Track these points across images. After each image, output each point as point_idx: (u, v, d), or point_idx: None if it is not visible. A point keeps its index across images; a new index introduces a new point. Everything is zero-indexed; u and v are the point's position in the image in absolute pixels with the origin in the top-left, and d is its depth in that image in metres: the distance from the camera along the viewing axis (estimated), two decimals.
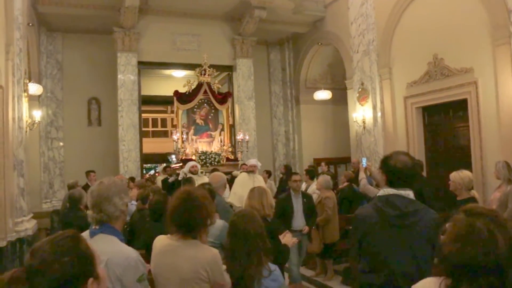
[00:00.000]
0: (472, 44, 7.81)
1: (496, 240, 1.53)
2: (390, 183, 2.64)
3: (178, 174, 9.09)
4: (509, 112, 7.13)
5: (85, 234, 2.33)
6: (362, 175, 6.69)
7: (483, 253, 1.51)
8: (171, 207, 2.54)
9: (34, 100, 10.18)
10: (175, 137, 10.78)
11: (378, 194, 2.74)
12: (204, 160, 10.60)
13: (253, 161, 9.00)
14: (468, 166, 7.33)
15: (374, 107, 10.04)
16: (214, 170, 7.85)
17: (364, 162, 7.37)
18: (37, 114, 9.36)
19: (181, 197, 2.54)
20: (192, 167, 8.82)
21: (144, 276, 2.29)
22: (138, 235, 5.50)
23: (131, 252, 2.29)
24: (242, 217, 2.84)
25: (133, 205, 7.36)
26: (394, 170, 2.64)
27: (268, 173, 10.83)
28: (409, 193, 2.61)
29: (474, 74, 7.82)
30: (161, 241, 2.58)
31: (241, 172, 9.31)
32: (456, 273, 1.56)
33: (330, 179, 7.42)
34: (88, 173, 9.59)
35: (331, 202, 6.87)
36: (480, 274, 1.50)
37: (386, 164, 2.69)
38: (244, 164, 10.68)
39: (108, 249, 2.22)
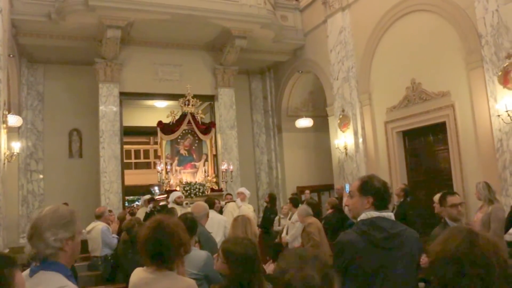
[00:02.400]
0: (448, 69, 8.03)
1: (477, 235, 1.56)
2: (376, 206, 2.58)
3: (155, 206, 9.00)
4: (486, 133, 7.28)
5: (27, 271, 2.09)
6: (346, 201, 6.71)
7: (466, 244, 1.54)
8: (142, 238, 2.45)
9: (14, 132, 10.05)
10: (159, 168, 10.67)
11: (360, 218, 2.65)
12: (189, 191, 10.48)
13: (241, 189, 8.97)
14: (449, 188, 7.42)
15: (355, 133, 10.15)
16: (209, 199, 7.56)
17: (347, 188, 7.40)
18: (16, 146, 9.23)
19: (152, 226, 2.45)
20: (178, 197, 8.74)
21: None
22: (122, 267, 5.40)
23: None
24: (235, 241, 2.73)
25: (114, 238, 7.25)
26: (379, 191, 2.60)
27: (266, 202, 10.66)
28: (391, 215, 2.60)
29: (451, 98, 8.01)
30: (136, 274, 2.51)
31: (226, 203, 9.25)
32: (444, 272, 1.56)
33: (308, 207, 7.40)
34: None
35: (314, 227, 6.84)
36: (467, 266, 1.51)
37: (371, 186, 2.63)
38: (228, 194, 10.62)
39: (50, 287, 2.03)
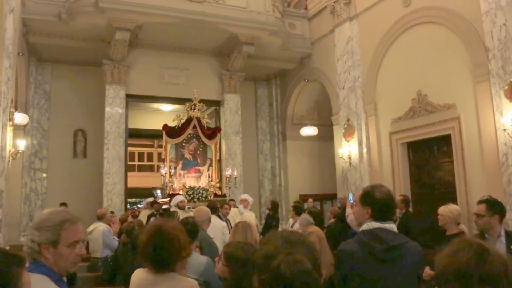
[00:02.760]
0: (454, 81, 8.02)
1: (487, 250, 1.54)
2: (375, 217, 2.55)
3: (158, 209, 8.99)
4: (492, 146, 7.26)
5: None
6: (349, 211, 6.69)
7: (475, 259, 1.51)
8: (142, 243, 2.43)
9: (19, 130, 10.11)
10: (163, 171, 10.66)
11: (361, 228, 2.64)
12: (192, 196, 10.48)
13: (244, 196, 8.95)
14: (453, 200, 7.34)
15: (360, 143, 10.14)
16: (211, 203, 7.52)
17: (351, 198, 7.38)
18: (21, 144, 9.26)
19: (151, 231, 2.44)
20: (181, 201, 8.72)
21: None
22: (121, 269, 5.38)
23: None
24: (237, 246, 2.73)
25: (115, 240, 7.24)
26: (379, 202, 2.57)
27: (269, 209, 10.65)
28: (393, 226, 2.56)
29: (456, 110, 8.00)
30: (138, 275, 2.48)
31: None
32: (450, 285, 1.54)
33: (309, 216, 7.40)
34: (61, 206, 9.40)
35: (315, 236, 6.81)
36: (476, 283, 1.49)
37: (371, 196, 2.60)
38: (231, 200, 10.60)
39: None
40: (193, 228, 3.78)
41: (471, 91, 7.72)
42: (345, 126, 10.54)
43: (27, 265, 1.92)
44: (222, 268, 2.59)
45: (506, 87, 7.02)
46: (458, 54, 7.97)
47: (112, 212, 9.41)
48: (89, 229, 7.44)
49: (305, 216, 7.40)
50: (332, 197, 12.61)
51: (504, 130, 6.99)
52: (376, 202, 2.56)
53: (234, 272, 2.55)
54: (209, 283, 3.12)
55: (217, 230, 6.33)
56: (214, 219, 6.73)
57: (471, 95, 7.71)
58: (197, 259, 3.40)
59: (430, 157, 8.96)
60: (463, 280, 1.50)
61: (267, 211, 11.74)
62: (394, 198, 2.69)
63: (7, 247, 7.73)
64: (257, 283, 1.51)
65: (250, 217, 8.40)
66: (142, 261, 2.45)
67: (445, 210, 4.80)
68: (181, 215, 6.85)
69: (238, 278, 2.54)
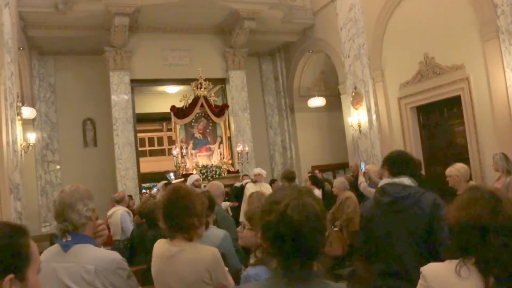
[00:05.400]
0: (462, 41, 7.87)
1: (500, 200, 1.54)
2: (391, 172, 2.85)
3: None
4: (502, 105, 7.16)
5: (55, 247, 2.28)
6: (361, 179, 6.72)
7: (489, 211, 1.52)
8: (159, 204, 2.51)
9: (29, 124, 10.17)
10: (174, 152, 10.73)
11: (379, 185, 2.94)
12: (205, 174, 10.55)
13: (257, 170, 8.96)
14: (466, 162, 7.28)
15: (369, 110, 10.05)
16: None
17: (362, 166, 7.38)
18: (32, 137, 9.33)
19: (169, 190, 2.52)
20: (196, 180, 8.75)
21: (131, 273, 2.27)
22: (139, 250, 5.45)
23: (113, 254, 2.26)
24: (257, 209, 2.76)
25: (132, 224, 7.32)
26: (390, 159, 2.90)
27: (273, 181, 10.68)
28: (403, 180, 2.76)
29: (465, 71, 7.87)
30: (160, 246, 2.50)
31: (246, 182, 9.25)
32: (466, 238, 1.54)
33: (345, 180, 7.43)
34: None
35: (351, 202, 6.85)
36: (491, 233, 1.49)
37: (386, 157, 2.98)
38: (245, 175, 10.65)
39: (92, 257, 2.17)
40: (209, 202, 3.80)
41: (479, 50, 7.55)
42: (353, 94, 10.44)
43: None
44: (248, 234, 2.53)
45: None
46: (464, 12, 7.78)
47: (130, 196, 9.52)
48: (109, 213, 7.54)
49: (342, 179, 7.42)
50: (344, 166, 12.61)
51: None
52: (389, 160, 2.91)
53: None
54: (226, 256, 3.14)
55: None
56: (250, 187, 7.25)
57: (479, 54, 7.55)
58: (214, 232, 3.46)
59: (440, 120, 8.87)
60: (478, 231, 1.50)
61: (280, 184, 11.78)
62: (408, 155, 2.98)
63: None
64: (261, 227, 1.42)
65: (266, 190, 8.41)
66: (162, 224, 2.48)
67: (452, 170, 4.79)
68: None
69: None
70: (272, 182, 9.96)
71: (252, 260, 2.38)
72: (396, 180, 2.76)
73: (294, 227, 1.33)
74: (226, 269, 2.50)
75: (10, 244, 1.21)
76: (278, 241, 1.35)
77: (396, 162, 2.84)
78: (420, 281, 1.65)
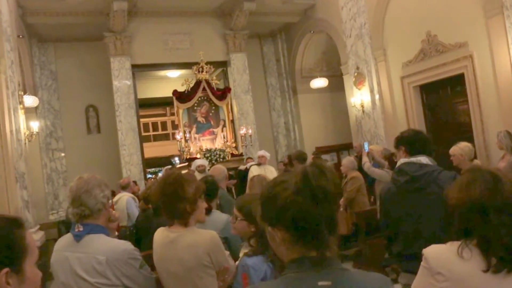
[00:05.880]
0: (465, 18, 7.76)
1: (500, 180, 1.53)
2: (408, 152, 2.81)
3: None
4: (507, 82, 7.09)
5: (68, 237, 2.30)
6: (365, 159, 6.71)
7: (489, 191, 1.52)
8: (155, 192, 2.55)
9: (31, 113, 10.17)
10: (178, 136, 10.75)
11: (397, 165, 2.93)
12: (209, 158, 10.56)
13: (261, 152, 8.96)
14: (470, 140, 7.26)
15: (372, 90, 9.99)
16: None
17: (366, 146, 7.36)
18: (35, 126, 9.34)
19: (162, 178, 2.56)
20: (199, 166, 8.73)
21: (144, 262, 2.29)
22: (145, 236, 5.48)
23: (125, 244, 2.29)
24: (249, 199, 2.72)
25: (138, 210, 7.36)
26: (409, 137, 2.85)
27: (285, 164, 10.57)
28: (421, 159, 2.74)
29: (469, 48, 7.78)
30: (159, 234, 2.52)
31: (251, 165, 9.26)
32: (467, 219, 1.54)
33: (355, 159, 7.43)
34: None
35: (355, 181, 6.88)
36: (492, 213, 1.49)
37: (400, 137, 2.92)
38: (249, 158, 10.67)
39: (103, 248, 2.19)
40: (212, 187, 3.81)
41: (483, 26, 7.45)
42: (355, 74, 10.37)
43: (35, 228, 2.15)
44: (241, 224, 2.44)
45: None
46: None
47: (134, 182, 9.56)
48: (115, 199, 7.56)
49: (351, 159, 7.43)
50: (348, 146, 12.59)
51: None
52: (405, 139, 2.88)
53: (258, 223, 2.43)
54: (229, 240, 3.15)
55: None
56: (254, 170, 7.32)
57: (483, 31, 7.45)
58: (218, 217, 3.47)
59: (444, 99, 8.81)
60: (479, 212, 1.51)
61: (283, 167, 11.80)
62: (423, 133, 2.96)
63: (37, 226, 7.96)
64: (270, 220, 1.26)
65: (270, 173, 8.43)
66: (160, 217, 2.53)
67: (456, 149, 4.80)
68: (198, 177, 6.84)
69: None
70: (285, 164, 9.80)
71: (246, 250, 2.36)
72: (414, 159, 2.74)
73: (319, 191, 1.18)
74: (227, 252, 2.51)
75: (6, 237, 1.19)
76: (302, 217, 1.18)
77: (414, 142, 2.82)
78: (422, 263, 1.65)
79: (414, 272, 2.35)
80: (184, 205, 2.36)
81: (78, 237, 2.22)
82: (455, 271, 1.53)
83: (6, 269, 1.15)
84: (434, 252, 1.63)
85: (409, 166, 2.73)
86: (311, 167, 1.23)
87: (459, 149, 4.76)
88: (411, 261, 2.56)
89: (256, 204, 2.41)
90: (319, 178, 1.19)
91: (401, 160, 2.82)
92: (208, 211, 3.36)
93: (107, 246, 2.21)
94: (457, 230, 1.58)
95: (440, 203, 2.54)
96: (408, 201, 2.69)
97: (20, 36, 9.55)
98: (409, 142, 2.82)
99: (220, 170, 5.26)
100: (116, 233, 2.57)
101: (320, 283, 1.18)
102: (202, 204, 2.50)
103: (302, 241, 1.21)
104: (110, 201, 2.36)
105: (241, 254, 2.42)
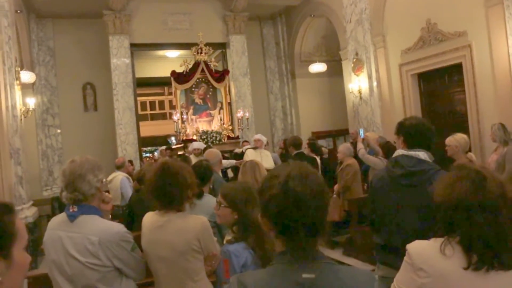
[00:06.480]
0: (465, 7, 7.72)
1: (485, 178, 1.55)
2: (408, 144, 2.69)
3: (171, 156, 9.07)
4: (504, 73, 7.08)
5: (62, 216, 2.33)
6: (360, 146, 6.73)
7: (474, 189, 1.53)
8: (148, 181, 2.53)
9: (28, 88, 10.13)
10: (175, 117, 10.72)
11: (393, 156, 2.83)
12: (206, 140, 10.57)
13: (257, 136, 8.92)
14: (465, 130, 7.30)
15: (370, 77, 9.97)
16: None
17: (361, 133, 7.37)
18: (31, 102, 9.31)
19: (158, 168, 2.52)
20: (195, 149, 8.73)
21: (135, 245, 2.32)
22: (137, 216, 5.52)
23: (118, 226, 2.31)
24: (234, 187, 2.67)
25: (132, 189, 7.38)
26: (409, 128, 2.71)
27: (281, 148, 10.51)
28: (419, 154, 2.64)
29: (468, 38, 7.75)
30: (149, 218, 2.55)
31: (246, 149, 9.26)
32: (451, 216, 1.56)
33: (351, 146, 7.45)
34: None
35: (351, 169, 6.92)
36: (475, 211, 1.51)
37: (402, 125, 2.77)
38: (245, 141, 10.67)
39: (96, 229, 2.22)
40: (206, 171, 3.83)
41: (482, 16, 7.40)
42: (354, 60, 10.33)
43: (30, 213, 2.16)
44: (225, 211, 2.46)
45: None
46: None
47: (130, 161, 9.58)
48: (109, 178, 7.60)
49: (348, 145, 7.47)
50: (345, 132, 12.61)
51: None
52: (406, 130, 2.73)
53: (241, 211, 2.42)
54: (219, 225, 3.18)
55: None
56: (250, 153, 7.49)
57: (483, 21, 7.40)
58: (209, 201, 3.48)
59: (441, 88, 8.80)
60: (463, 210, 1.52)
61: (279, 150, 11.84)
62: (428, 125, 2.75)
63: (31, 202, 8.01)
64: (262, 206, 1.35)
65: (266, 157, 8.43)
66: (150, 199, 2.51)
67: (452, 140, 4.82)
68: (193, 160, 6.86)
69: (246, 214, 2.41)
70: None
71: (229, 237, 2.40)
72: (412, 153, 2.64)
73: (298, 199, 1.26)
74: (215, 238, 2.54)
75: None
76: (281, 216, 1.28)
77: (415, 134, 2.68)
78: (405, 258, 1.68)
79: (391, 266, 2.39)
80: (185, 191, 2.42)
81: (72, 217, 2.24)
82: (436, 267, 1.55)
83: None
84: (417, 248, 1.65)
85: (406, 160, 2.64)
86: (295, 171, 1.31)
87: (455, 140, 4.78)
88: (389, 254, 2.60)
89: (240, 192, 2.45)
90: (300, 185, 1.28)
91: (399, 151, 2.73)
92: (200, 194, 3.39)
93: (100, 227, 2.24)
94: (441, 226, 1.60)
95: (429, 202, 2.56)
96: (398, 194, 2.63)
97: (18, 11, 9.46)
98: (409, 133, 2.69)
99: (214, 154, 5.27)
100: (110, 216, 2.59)
101: (304, 276, 1.26)
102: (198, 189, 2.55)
103: (283, 235, 1.32)
104: (104, 181, 2.38)
105: (225, 242, 2.45)
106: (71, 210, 2.25)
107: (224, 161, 8.40)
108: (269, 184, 1.33)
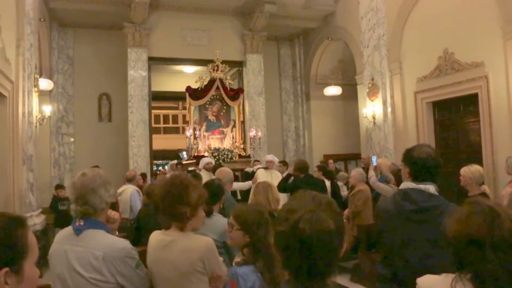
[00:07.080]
0: (483, 38, 7.70)
1: (499, 215, 1.51)
2: (413, 176, 2.56)
3: (183, 171, 9.08)
4: None
5: (68, 230, 2.30)
6: (371, 173, 6.65)
7: (487, 225, 1.49)
8: (156, 193, 2.49)
9: (45, 96, 10.28)
10: (188, 133, 10.75)
11: (400, 187, 2.69)
12: (217, 157, 10.57)
13: (269, 157, 8.91)
14: (479, 161, 7.23)
15: (384, 103, 9.95)
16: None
17: (374, 160, 7.30)
18: (47, 109, 9.43)
19: (164, 181, 2.49)
20: (207, 164, 8.76)
21: (140, 262, 2.29)
22: (145, 231, 5.50)
23: (123, 242, 2.28)
24: (247, 210, 2.62)
25: (140, 202, 7.37)
26: (417, 161, 2.55)
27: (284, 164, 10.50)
28: (429, 187, 2.52)
29: (485, 68, 7.72)
30: (155, 237, 2.51)
31: (257, 168, 9.25)
32: (463, 252, 1.53)
33: (364, 172, 7.38)
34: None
35: (362, 195, 6.86)
36: (488, 249, 1.47)
37: (409, 155, 2.61)
38: (256, 160, 10.65)
39: (102, 244, 2.20)
40: (217, 190, 3.77)
41: (500, 48, 7.38)
42: (369, 85, 10.33)
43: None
44: (237, 234, 2.45)
45: None
46: (488, 9, 7.60)
47: (143, 175, 9.56)
48: (119, 190, 7.60)
49: (361, 170, 7.40)
50: (356, 157, 12.55)
51: None
52: (413, 162, 2.57)
53: (253, 233, 2.42)
54: (228, 245, 3.14)
55: None
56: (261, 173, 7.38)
57: (500, 52, 7.38)
58: (218, 220, 3.41)
59: (456, 117, 8.75)
60: (476, 248, 1.49)
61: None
62: (436, 158, 2.59)
63: (40, 210, 8.04)
64: (274, 236, 1.42)
65: (277, 178, 8.40)
66: (158, 216, 2.47)
67: (466, 171, 4.75)
68: (209, 177, 6.83)
69: (258, 237, 2.42)
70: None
71: (238, 259, 2.37)
72: (422, 186, 2.51)
73: (304, 241, 1.30)
74: (221, 259, 2.51)
75: (8, 237, 1.18)
76: (288, 253, 1.33)
77: (421, 169, 2.54)
78: None
79: None
80: (185, 209, 2.35)
81: (78, 231, 2.22)
82: None
83: (5, 269, 1.15)
84: (427, 283, 1.62)
85: (417, 194, 2.51)
86: (309, 213, 1.33)
87: (470, 172, 4.71)
88: (394, 284, 2.52)
89: (253, 214, 2.44)
90: (309, 228, 1.30)
91: (408, 184, 2.59)
92: (209, 213, 3.35)
93: (105, 242, 2.21)
94: (452, 262, 1.57)
95: (441, 237, 2.49)
96: (409, 229, 2.51)
97: (41, 19, 9.65)
98: (416, 166, 2.55)
99: (226, 172, 5.22)
100: (117, 232, 2.57)
101: None
102: (202, 213, 2.49)
103: (289, 267, 1.38)
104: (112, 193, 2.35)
105: (234, 263, 2.42)
106: (77, 224, 2.23)
107: (239, 184, 8.41)
108: (284, 217, 1.37)
